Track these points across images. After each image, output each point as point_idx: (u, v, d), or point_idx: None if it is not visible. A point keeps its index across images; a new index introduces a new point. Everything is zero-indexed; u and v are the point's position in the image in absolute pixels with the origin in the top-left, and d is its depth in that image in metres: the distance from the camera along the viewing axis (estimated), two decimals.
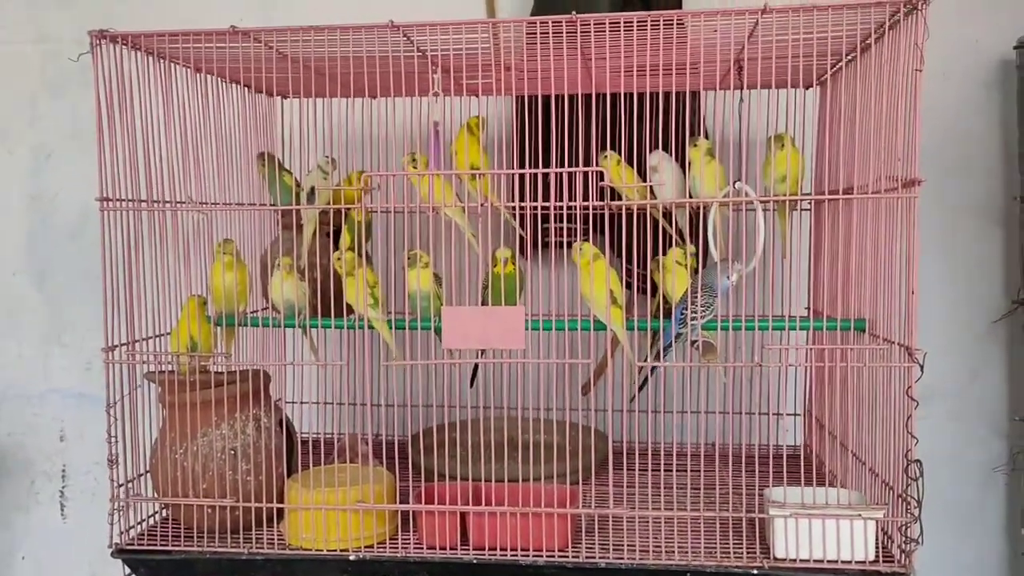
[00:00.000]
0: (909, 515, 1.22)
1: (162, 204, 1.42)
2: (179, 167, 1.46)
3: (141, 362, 1.40)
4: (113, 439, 1.37)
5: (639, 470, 1.60)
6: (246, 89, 1.69)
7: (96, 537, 1.39)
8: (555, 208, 1.36)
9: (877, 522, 1.26)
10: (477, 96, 1.77)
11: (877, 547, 1.26)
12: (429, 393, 1.81)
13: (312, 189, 1.57)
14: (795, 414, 1.77)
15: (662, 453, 1.50)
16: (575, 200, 1.32)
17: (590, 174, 1.36)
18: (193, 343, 1.42)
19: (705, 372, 1.69)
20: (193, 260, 1.45)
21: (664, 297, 1.53)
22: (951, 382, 1.90)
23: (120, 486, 1.38)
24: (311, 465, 1.46)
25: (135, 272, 1.39)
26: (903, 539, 1.24)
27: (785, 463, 1.46)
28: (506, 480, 1.42)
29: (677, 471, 1.37)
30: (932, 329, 1.65)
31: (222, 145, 1.58)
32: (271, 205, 1.64)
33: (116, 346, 1.38)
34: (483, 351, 1.45)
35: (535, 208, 1.60)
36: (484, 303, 1.47)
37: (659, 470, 1.46)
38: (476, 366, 1.66)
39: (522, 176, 1.62)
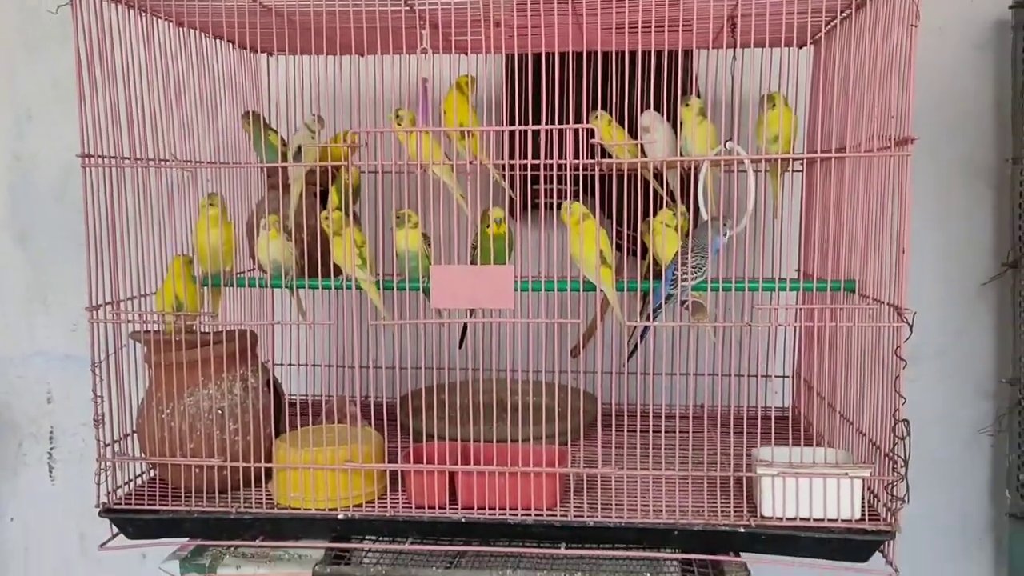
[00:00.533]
0: (896, 474, 1.23)
1: (145, 161, 1.39)
2: (162, 123, 1.43)
3: (126, 321, 1.38)
4: (99, 398, 1.36)
5: (628, 431, 1.60)
6: (230, 45, 1.66)
7: (85, 498, 1.38)
8: (544, 168, 1.35)
9: (864, 481, 1.27)
10: (466, 54, 1.74)
11: (864, 506, 1.27)
12: (418, 355, 1.80)
13: (299, 148, 1.54)
14: (783, 376, 1.77)
15: (651, 415, 1.50)
16: (565, 158, 1.30)
17: (580, 135, 1.34)
18: (178, 303, 1.40)
19: (695, 333, 1.69)
20: (177, 218, 1.43)
21: (654, 259, 1.53)
22: (939, 343, 1.91)
23: (107, 446, 1.37)
24: (299, 427, 1.45)
25: (119, 230, 1.37)
26: (889, 497, 1.25)
27: (773, 424, 1.47)
28: (495, 441, 1.42)
29: (666, 432, 1.37)
30: (922, 291, 1.65)
31: (206, 102, 1.55)
32: (256, 165, 1.61)
33: (100, 305, 1.36)
34: (472, 311, 1.44)
35: (525, 168, 1.59)
36: (473, 263, 1.46)
37: (648, 431, 1.46)
38: (465, 328, 1.66)
39: (512, 136, 1.60)
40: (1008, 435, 1.84)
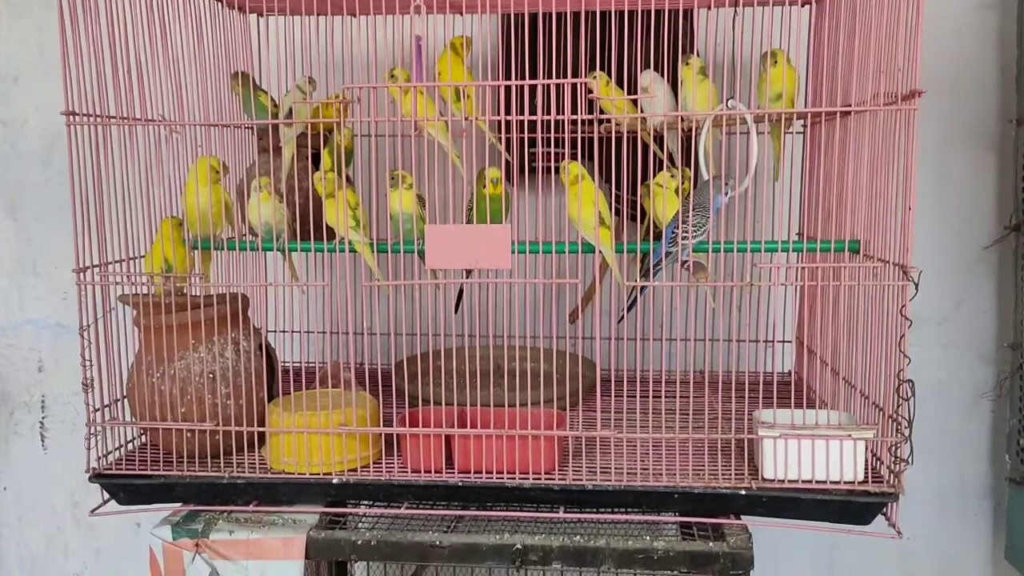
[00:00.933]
0: (899, 435, 1.21)
1: (132, 119, 1.36)
2: (149, 83, 1.39)
3: (114, 283, 1.35)
4: (88, 363, 1.33)
5: (627, 396, 1.58)
6: (219, 4, 1.61)
7: (77, 466, 1.36)
8: (542, 122, 1.31)
9: (867, 443, 1.25)
10: (461, 14, 1.70)
11: (866, 468, 1.26)
12: (413, 322, 1.77)
13: (290, 110, 1.51)
14: (784, 341, 1.75)
15: (650, 380, 1.48)
16: (563, 114, 1.27)
17: (579, 93, 1.31)
18: (168, 265, 1.37)
19: (695, 296, 1.66)
20: (166, 180, 1.40)
21: (653, 222, 1.50)
22: (941, 308, 1.89)
23: (96, 411, 1.35)
24: (293, 392, 1.43)
25: (105, 191, 1.34)
26: (893, 459, 1.23)
27: (775, 389, 1.45)
28: (491, 405, 1.39)
29: (666, 397, 1.36)
30: (923, 254, 1.63)
31: (194, 62, 1.51)
32: (247, 124, 1.58)
33: (87, 267, 1.33)
34: (469, 272, 1.42)
35: (521, 131, 1.56)
36: (470, 222, 1.43)
37: (647, 396, 1.44)
38: (461, 293, 1.63)
39: (508, 99, 1.57)
40: (1009, 400, 1.83)
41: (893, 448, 1.23)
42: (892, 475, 1.23)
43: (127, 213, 1.37)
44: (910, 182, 1.19)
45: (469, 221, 1.44)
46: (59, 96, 1.32)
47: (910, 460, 1.21)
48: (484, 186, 1.41)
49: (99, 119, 1.33)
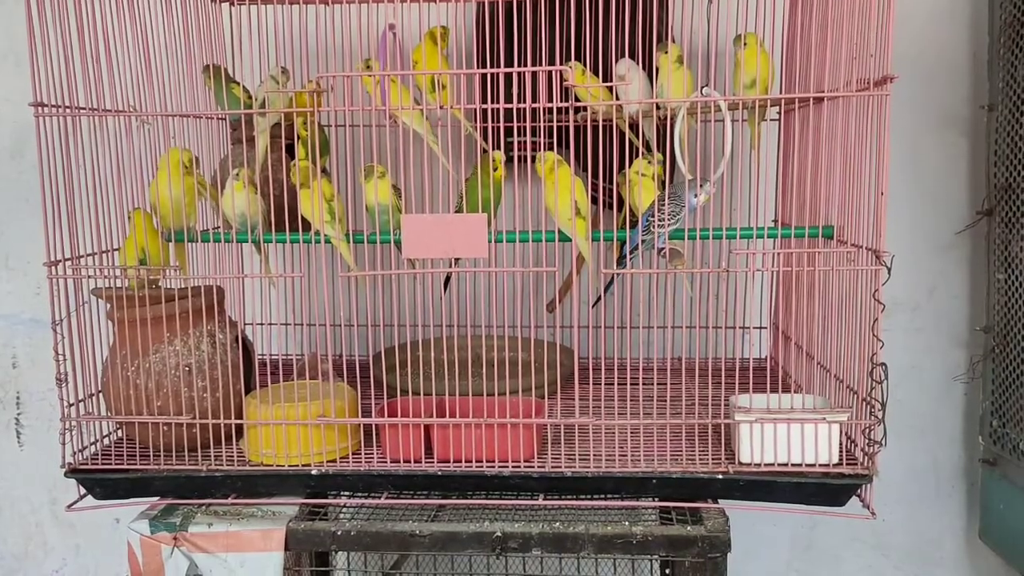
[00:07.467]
0: (873, 418, 1.22)
1: (102, 111, 1.34)
2: (119, 73, 1.37)
3: (86, 276, 1.34)
4: (61, 357, 1.31)
5: (605, 384, 1.59)
6: None
7: (54, 462, 1.35)
8: (518, 118, 1.31)
9: (841, 426, 1.26)
10: (435, 2, 1.69)
11: (841, 451, 1.27)
12: (392, 312, 1.77)
13: (263, 101, 1.50)
14: (761, 327, 1.76)
15: (628, 368, 1.49)
16: (538, 103, 1.27)
17: (554, 83, 1.31)
18: (143, 257, 1.36)
19: (672, 283, 1.67)
20: (138, 171, 1.38)
21: (631, 210, 1.50)
22: (914, 292, 1.91)
23: (71, 405, 1.33)
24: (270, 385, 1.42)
25: (76, 184, 1.32)
26: (866, 441, 1.25)
27: (751, 375, 1.46)
28: (470, 395, 1.40)
29: (644, 384, 1.36)
30: (896, 240, 1.64)
31: (165, 53, 1.49)
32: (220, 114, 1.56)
33: (59, 261, 1.32)
34: (457, 260, 1.42)
35: (498, 120, 1.55)
36: (460, 211, 1.43)
37: (625, 383, 1.45)
38: (449, 276, 1.63)
39: (484, 88, 1.56)
40: (982, 382, 1.85)
41: (867, 431, 1.24)
42: (866, 457, 1.25)
43: (99, 206, 1.35)
44: (882, 168, 1.20)
45: (459, 209, 1.44)
46: (28, 89, 1.30)
47: (883, 442, 1.22)
48: (494, 169, 1.40)
49: (69, 110, 1.31)
